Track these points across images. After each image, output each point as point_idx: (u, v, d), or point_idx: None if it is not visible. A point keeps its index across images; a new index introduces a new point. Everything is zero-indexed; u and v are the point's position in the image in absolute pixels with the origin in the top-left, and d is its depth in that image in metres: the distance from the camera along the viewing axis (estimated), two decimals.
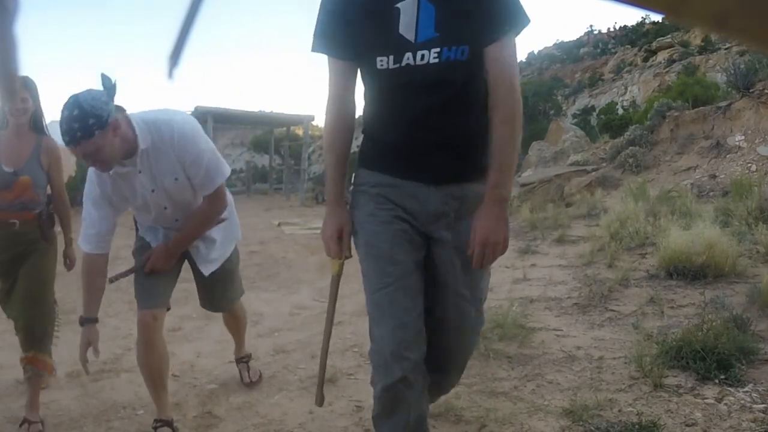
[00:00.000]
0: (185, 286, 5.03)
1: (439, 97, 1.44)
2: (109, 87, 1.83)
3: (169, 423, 2.21)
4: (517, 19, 1.42)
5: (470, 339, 1.68)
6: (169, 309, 2.33)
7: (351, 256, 1.61)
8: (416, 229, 1.53)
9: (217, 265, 2.38)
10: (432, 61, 1.41)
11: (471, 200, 1.52)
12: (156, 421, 2.20)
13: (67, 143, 1.77)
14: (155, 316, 2.18)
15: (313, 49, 1.50)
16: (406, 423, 1.47)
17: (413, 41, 1.41)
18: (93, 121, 1.72)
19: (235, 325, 2.76)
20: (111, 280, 2.21)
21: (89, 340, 2.09)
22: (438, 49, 1.41)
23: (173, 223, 2.24)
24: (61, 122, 1.73)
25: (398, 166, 1.52)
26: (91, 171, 1.99)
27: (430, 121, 1.46)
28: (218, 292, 2.51)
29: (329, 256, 1.62)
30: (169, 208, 2.15)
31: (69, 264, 2.75)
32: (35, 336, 2.41)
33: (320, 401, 1.79)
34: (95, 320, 2.11)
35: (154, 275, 2.22)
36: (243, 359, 2.80)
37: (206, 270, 2.35)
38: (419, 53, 1.41)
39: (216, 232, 2.35)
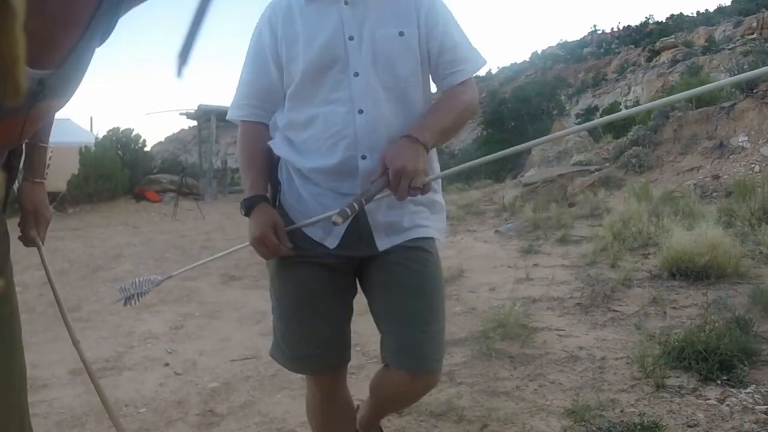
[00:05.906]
0: (189, 284, 5.05)
1: None
2: None
3: None
4: None
5: None
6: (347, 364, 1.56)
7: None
8: None
9: (404, 238, 1.39)
10: None
11: None
12: None
13: None
14: (335, 379, 1.55)
15: None
16: None
17: None
18: None
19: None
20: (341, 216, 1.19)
21: (273, 221, 1.35)
22: None
23: (359, 136, 1.31)
24: None
25: None
26: (266, 13, 1.42)
27: None
28: (409, 313, 1.35)
29: None
30: (361, 84, 1.31)
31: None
32: None
33: None
34: (266, 198, 1.40)
35: (312, 314, 1.42)
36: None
37: (383, 243, 1.39)
38: None
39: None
